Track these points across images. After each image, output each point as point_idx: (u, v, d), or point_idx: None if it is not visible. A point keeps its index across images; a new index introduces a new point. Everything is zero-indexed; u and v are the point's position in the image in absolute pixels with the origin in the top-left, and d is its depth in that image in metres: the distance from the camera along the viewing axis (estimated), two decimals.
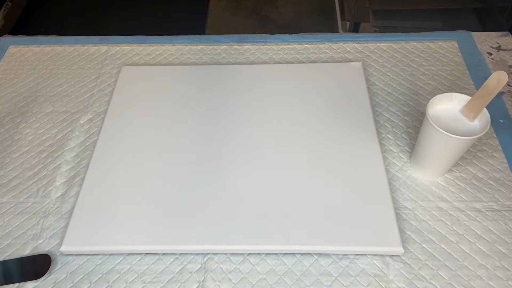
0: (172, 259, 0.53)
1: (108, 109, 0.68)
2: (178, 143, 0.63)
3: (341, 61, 0.75)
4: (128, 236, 0.54)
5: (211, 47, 0.79)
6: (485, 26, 1.65)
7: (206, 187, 0.58)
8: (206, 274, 0.51)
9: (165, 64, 0.76)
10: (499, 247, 0.52)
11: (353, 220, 0.53)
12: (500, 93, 0.68)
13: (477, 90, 0.68)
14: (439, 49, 0.76)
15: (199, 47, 0.79)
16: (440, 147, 0.52)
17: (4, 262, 0.53)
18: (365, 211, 0.54)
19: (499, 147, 0.62)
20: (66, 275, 0.52)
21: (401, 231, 0.53)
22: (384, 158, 0.61)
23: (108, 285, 0.51)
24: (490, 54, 0.75)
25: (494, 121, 0.64)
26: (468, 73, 0.71)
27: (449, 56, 0.74)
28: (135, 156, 0.62)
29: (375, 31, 1.67)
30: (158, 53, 0.78)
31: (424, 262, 0.51)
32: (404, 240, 0.53)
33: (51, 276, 0.52)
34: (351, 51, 0.77)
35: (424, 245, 0.53)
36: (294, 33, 0.81)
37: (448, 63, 0.73)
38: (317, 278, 0.51)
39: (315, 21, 1.92)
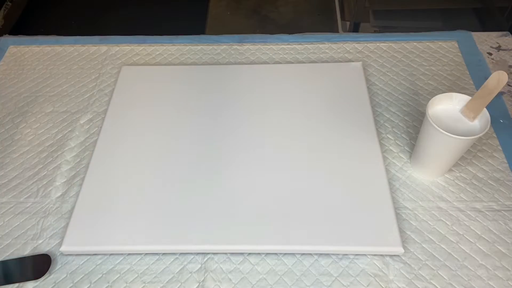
0: (172, 259, 0.53)
1: (108, 109, 0.68)
2: (178, 143, 0.63)
3: (341, 61, 0.75)
4: (128, 236, 0.54)
5: (211, 47, 0.79)
6: (485, 26, 1.64)
7: (206, 187, 0.58)
8: (206, 274, 0.51)
9: (165, 64, 0.76)
10: (499, 247, 0.52)
11: (353, 220, 0.53)
12: (500, 93, 0.68)
13: (477, 90, 0.68)
14: (439, 49, 0.76)
15: (199, 47, 0.79)
16: (440, 147, 0.52)
17: (4, 262, 0.53)
18: (365, 211, 0.54)
19: (499, 147, 0.62)
20: (66, 275, 0.52)
21: (401, 231, 0.53)
22: (384, 158, 0.61)
23: (108, 285, 0.51)
24: (490, 54, 0.75)
25: (494, 121, 0.64)
26: (468, 73, 0.71)
27: (449, 56, 0.74)
28: (135, 156, 0.62)
29: (375, 31, 1.67)
30: (158, 53, 0.78)
31: (424, 262, 0.51)
32: (404, 240, 0.53)
33: (51, 276, 0.52)
34: (351, 51, 0.77)
35: (424, 245, 0.53)
36: (294, 33, 0.81)
37: (448, 63, 0.73)
38: (317, 278, 0.51)
39: (315, 21, 1.92)
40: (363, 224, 0.53)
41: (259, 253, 0.53)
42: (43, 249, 0.54)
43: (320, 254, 0.52)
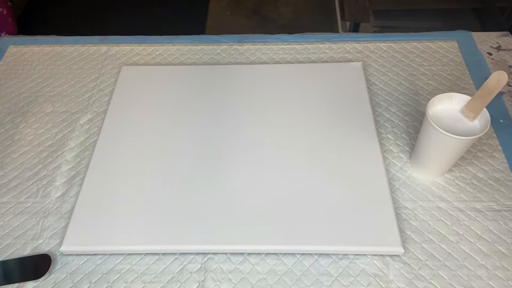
0: (172, 259, 0.53)
1: (108, 109, 0.68)
2: (178, 143, 0.63)
3: (341, 61, 0.75)
4: (128, 236, 0.54)
5: (211, 47, 0.79)
6: (485, 26, 1.64)
7: (206, 187, 0.57)
8: (206, 274, 0.51)
9: (165, 64, 0.76)
10: (499, 247, 0.52)
11: (353, 220, 0.53)
12: (500, 93, 0.68)
13: (477, 90, 0.68)
14: (439, 49, 0.76)
15: (199, 47, 0.79)
16: (440, 147, 0.52)
17: (4, 262, 0.53)
18: (365, 211, 0.54)
19: (499, 147, 0.62)
20: (66, 275, 0.52)
21: (401, 231, 0.53)
22: (384, 158, 0.60)
23: (108, 285, 0.51)
24: (490, 54, 0.75)
25: (494, 121, 0.64)
26: (468, 73, 0.71)
27: (449, 56, 0.74)
28: (135, 156, 0.62)
29: (375, 31, 1.67)
30: (158, 53, 0.78)
31: (424, 262, 0.51)
32: (404, 240, 0.53)
33: (51, 276, 0.52)
34: (351, 51, 0.77)
35: (424, 245, 0.53)
36: (294, 33, 0.81)
37: (448, 63, 0.73)
38: (317, 278, 0.51)
39: (315, 21, 1.92)
40: (363, 224, 0.53)
41: (259, 253, 0.53)
42: (43, 249, 0.54)
43: (320, 254, 0.52)
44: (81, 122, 0.68)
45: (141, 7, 2.00)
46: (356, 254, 0.52)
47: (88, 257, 0.53)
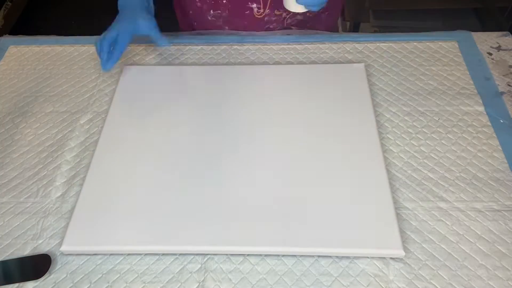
0: (172, 259, 0.53)
1: (109, 108, 0.68)
2: (178, 144, 0.63)
3: (341, 61, 0.75)
4: (128, 236, 0.54)
5: (211, 47, 0.79)
6: (485, 26, 1.65)
7: (206, 188, 0.57)
8: (206, 274, 0.51)
9: (165, 64, 0.76)
10: (499, 247, 0.52)
11: (353, 221, 0.53)
12: (500, 93, 0.68)
13: (477, 90, 0.69)
14: (439, 49, 0.76)
15: (199, 47, 0.79)
16: None
17: (4, 262, 0.53)
18: (366, 212, 0.54)
19: (499, 147, 0.62)
20: (66, 275, 0.52)
21: (401, 231, 0.53)
22: (384, 158, 0.60)
23: (108, 285, 0.51)
24: (490, 54, 0.75)
25: (494, 121, 0.65)
26: (468, 73, 0.71)
27: (449, 56, 0.74)
28: (136, 156, 0.62)
29: (375, 31, 1.67)
30: (158, 53, 0.78)
31: (424, 262, 0.51)
32: (404, 240, 0.53)
33: (51, 276, 0.52)
34: (351, 51, 0.76)
35: (424, 245, 0.53)
36: (294, 33, 0.81)
37: (448, 63, 0.73)
38: (317, 278, 0.51)
39: None
40: (364, 226, 0.53)
41: (259, 253, 0.53)
42: (43, 249, 0.54)
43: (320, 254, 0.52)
44: (81, 122, 0.68)
45: None
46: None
47: (88, 257, 0.53)
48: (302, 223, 0.53)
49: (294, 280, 0.51)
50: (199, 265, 0.52)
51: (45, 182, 0.61)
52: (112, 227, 0.54)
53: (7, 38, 0.84)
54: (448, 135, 0.63)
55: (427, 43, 0.77)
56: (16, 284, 0.51)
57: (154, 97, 0.69)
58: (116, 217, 0.55)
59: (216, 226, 0.54)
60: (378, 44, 0.77)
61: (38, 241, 0.55)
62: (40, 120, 0.69)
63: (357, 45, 0.77)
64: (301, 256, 0.52)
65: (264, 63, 0.75)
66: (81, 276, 0.52)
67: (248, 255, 0.53)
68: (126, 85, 0.71)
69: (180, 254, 0.53)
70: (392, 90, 0.70)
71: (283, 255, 0.52)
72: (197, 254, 0.53)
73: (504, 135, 0.63)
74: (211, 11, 0.80)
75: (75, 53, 0.80)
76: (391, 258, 0.52)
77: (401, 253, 0.51)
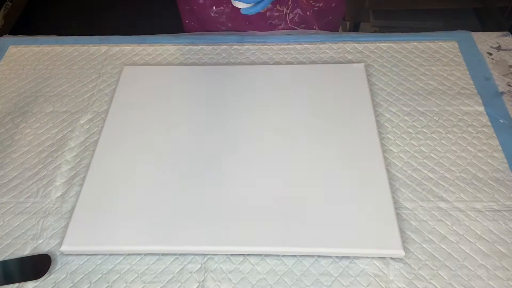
0: (172, 259, 0.53)
1: (109, 108, 0.68)
2: (178, 144, 0.63)
3: (341, 61, 0.75)
4: (128, 236, 0.54)
5: (211, 47, 0.79)
6: (485, 26, 1.65)
7: (206, 187, 0.57)
8: (206, 274, 0.51)
9: (166, 64, 0.76)
10: (499, 247, 0.52)
11: (353, 221, 0.53)
12: (500, 93, 0.68)
13: (477, 90, 0.69)
14: (439, 49, 0.76)
15: (199, 47, 0.79)
16: None
17: (4, 262, 0.53)
18: (366, 212, 0.54)
19: (499, 147, 0.62)
20: (66, 275, 0.52)
21: (401, 231, 0.53)
22: (384, 158, 0.60)
23: (108, 285, 0.51)
24: (490, 54, 0.75)
25: (494, 121, 0.65)
26: (468, 73, 0.71)
27: (449, 56, 0.74)
28: (136, 156, 0.62)
29: (375, 31, 1.67)
30: (158, 53, 0.78)
31: (424, 262, 0.51)
32: (404, 240, 0.53)
33: (51, 276, 0.52)
34: (351, 51, 0.76)
35: (424, 245, 0.53)
36: (294, 33, 0.81)
37: (448, 63, 0.73)
38: (317, 278, 0.51)
39: None
40: (364, 226, 0.53)
41: (259, 253, 0.53)
42: (43, 249, 0.54)
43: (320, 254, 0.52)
44: (81, 122, 0.68)
45: (141, 7, 2.00)
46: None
47: (88, 257, 0.53)
48: (302, 223, 0.53)
49: (294, 280, 0.51)
50: (199, 265, 0.52)
51: (45, 182, 0.61)
52: (112, 227, 0.54)
53: (7, 38, 0.84)
54: (448, 135, 0.63)
55: (427, 43, 0.77)
56: (16, 284, 0.51)
57: (154, 97, 0.69)
58: (116, 217, 0.55)
59: (216, 226, 0.54)
60: (378, 44, 0.77)
61: (38, 241, 0.55)
62: (40, 120, 0.69)
63: (357, 45, 0.77)
64: (301, 256, 0.52)
65: (264, 63, 0.75)
66: (81, 276, 0.52)
67: (248, 255, 0.53)
68: (126, 85, 0.71)
69: (180, 254, 0.53)
70: (392, 90, 0.70)
71: (283, 255, 0.52)
72: (197, 254, 0.53)
73: (504, 135, 0.63)
74: (214, 7, 0.80)
75: (75, 53, 0.80)
76: (391, 258, 0.52)
77: (401, 253, 0.51)
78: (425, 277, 0.50)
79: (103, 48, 0.80)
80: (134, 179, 0.59)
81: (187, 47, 0.79)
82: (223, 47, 0.79)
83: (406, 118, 0.66)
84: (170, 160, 0.61)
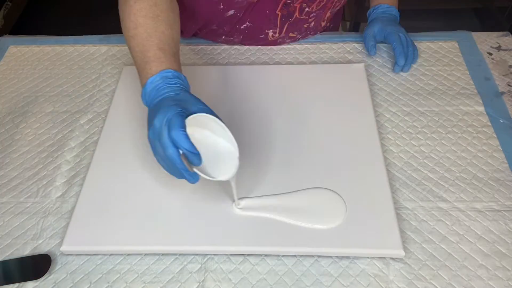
0: (172, 259, 0.53)
1: (109, 108, 0.68)
2: None
3: (341, 61, 0.75)
4: (128, 236, 0.53)
5: (211, 47, 0.79)
6: (485, 26, 1.65)
7: (206, 187, 0.57)
8: (206, 274, 0.51)
9: None
10: (499, 247, 0.52)
11: (353, 221, 0.53)
12: (500, 93, 0.68)
13: (477, 90, 0.69)
14: (439, 49, 0.76)
15: (199, 47, 0.79)
16: None
17: (4, 262, 0.53)
18: (366, 212, 0.54)
19: (499, 147, 0.62)
20: (66, 275, 0.52)
21: (401, 231, 0.53)
22: (384, 158, 0.60)
23: (108, 285, 0.51)
24: (490, 54, 0.75)
25: (494, 121, 0.65)
26: (468, 73, 0.71)
27: (449, 56, 0.74)
28: (136, 156, 0.62)
29: None
30: None
31: (424, 262, 0.51)
32: (404, 240, 0.53)
33: (51, 276, 0.52)
34: (351, 51, 0.76)
35: (424, 245, 0.53)
36: None
37: (448, 63, 0.73)
38: (317, 278, 0.51)
39: None
40: (364, 226, 0.53)
41: (259, 253, 0.53)
42: (43, 249, 0.54)
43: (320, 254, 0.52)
44: (81, 122, 0.68)
45: None
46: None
47: (88, 257, 0.53)
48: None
49: (294, 280, 0.51)
50: (199, 265, 0.52)
51: (45, 182, 0.61)
52: (112, 227, 0.54)
53: (7, 38, 0.84)
54: (448, 135, 0.63)
55: (427, 43, 0.77)
56: (16, 284, 0.51)
57: None
58: (116, 217, 0.55)
59: (216, 226, 0.54)
60: (378, 44, 0.77)
61: (38, 241, 0.55)
62: (40, 120, 0.69)
63: (357, 45, 0.77)
64: (301, 256, 0.52)
65: (264, 63, 0.75)
66: (81, 276, 0.52)
67: (248, 255, 0.53)
68: (126, 85, 0.71)
69: (180, 254, 0.53)
70: (392, 90, 0.70)
71: (283, 255, 0.52)
72: (197, 254, 0.53)
73: (504, 135, 0.63)
74: (223, 37, 0.77)
75: (75, 53, 0.80)
76: (391, 258, 0.52)
77: (401, 253, 0.51)
78: (425, 277, 0.50)
79: (103, 48, 0.80)
80: (134, 179, 0.59)
81: (187, 47, 0.79)
82: (223, 47, 0.79)
83: (406, 118, 0.66)
84: None
